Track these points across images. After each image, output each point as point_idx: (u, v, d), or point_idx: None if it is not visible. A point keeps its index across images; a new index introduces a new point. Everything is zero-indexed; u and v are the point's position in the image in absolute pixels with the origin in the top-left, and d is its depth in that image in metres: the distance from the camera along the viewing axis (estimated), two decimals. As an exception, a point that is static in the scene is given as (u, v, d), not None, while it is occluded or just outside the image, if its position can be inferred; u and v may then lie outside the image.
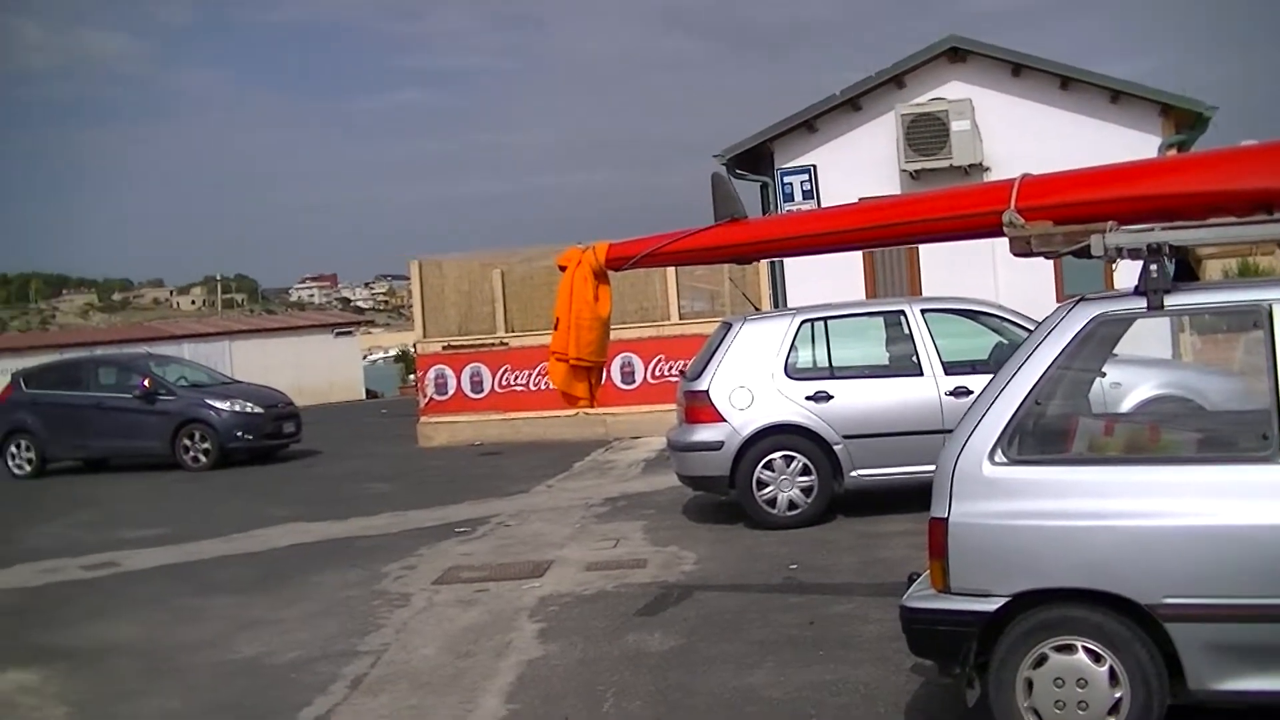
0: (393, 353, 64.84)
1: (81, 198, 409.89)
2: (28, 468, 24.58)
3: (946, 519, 5.97)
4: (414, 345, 27.12)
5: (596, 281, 8.44)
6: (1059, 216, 6.68)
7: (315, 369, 44.77)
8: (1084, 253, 6.42)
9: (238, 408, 23.40)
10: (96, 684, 9.10)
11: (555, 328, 8.64)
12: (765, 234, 8.83)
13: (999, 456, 5.94)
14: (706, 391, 13.04)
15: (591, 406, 9.18)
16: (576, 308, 8.42)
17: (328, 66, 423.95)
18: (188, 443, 23.21)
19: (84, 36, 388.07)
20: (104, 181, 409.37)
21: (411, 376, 46.28)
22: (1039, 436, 6.22)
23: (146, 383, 23.89)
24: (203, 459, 23.04)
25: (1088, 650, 5.72)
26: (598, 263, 8.42)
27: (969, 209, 7.50)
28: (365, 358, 56.47)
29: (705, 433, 13.07)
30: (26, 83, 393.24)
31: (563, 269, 8.63)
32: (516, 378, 23.51)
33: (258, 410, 23.62)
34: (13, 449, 24.77)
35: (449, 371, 24.00)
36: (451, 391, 23.99)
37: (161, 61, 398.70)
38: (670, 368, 22.05)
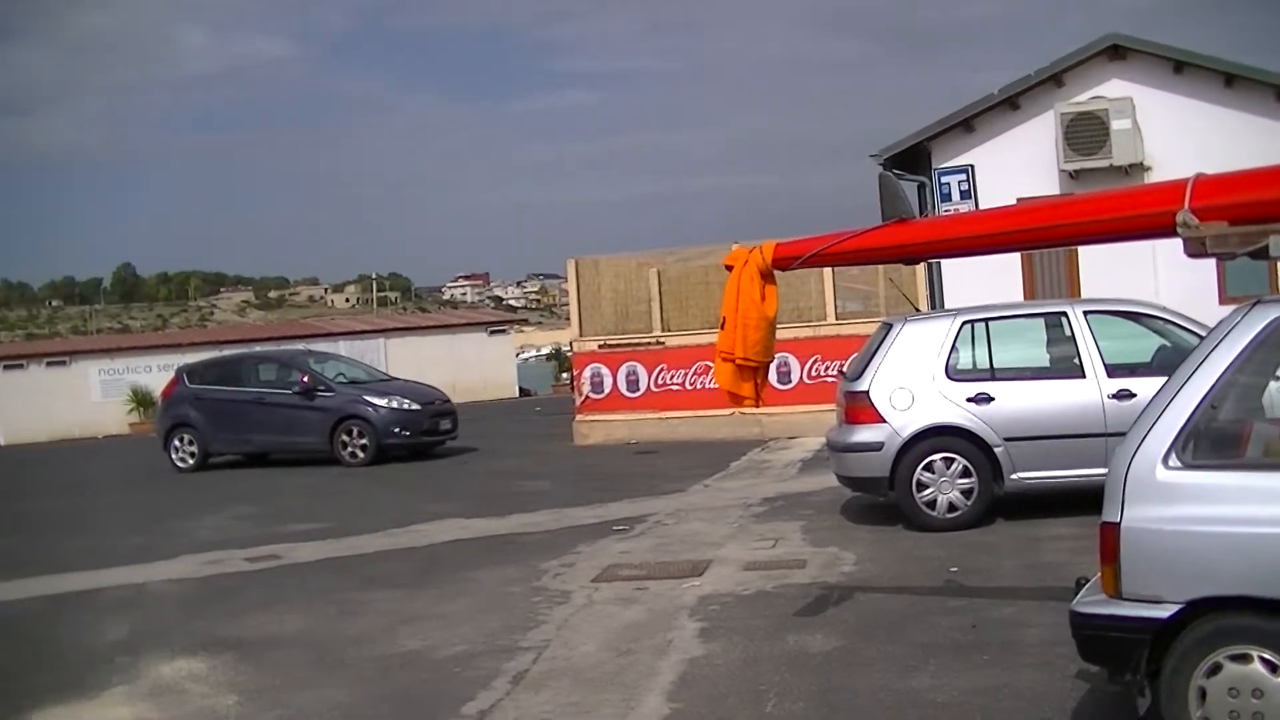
0: (545, 351, 65.19)
1: (241, 199, 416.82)
2: (190, 461, 25.10)
3: (1119, 524, 5.88)
4: (569, 344, 27.26)
5: (763, 281, 8.43)
6: (1234, 217, 6.56)
7: (469, 367, 45.14)
8: (1261, 254, 6.31)
9: (395, 404, 23.65)
10: (263, 674, 9.24)
11: (722, 327, 8.64)
12: (933, 234, 8.77)
13: (1173, 461, 5.83)
14: (867, 392, 12.97)
15: (757, 406, 9.15)
16: (743, 307, 8.42)
17: (484, 70, 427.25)
18: (346, 438, 23.53)
19: (248, 43, 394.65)
20: (264, 183, 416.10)
21: (564, 375, 46.58)
22: (1213, 441, 6.11)
23: (306, 379, 24.28)
24: (360, 454, 23.34)
25: (1264, 660, 5.58)
26: (764, 263, 8.41)
27: (1141, 209, 7.39)
28: (518, 356, 56.82)
29: (865, 433, 13.00)
30: (193, 87, 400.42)
31: (729, 269, 8.63)
32: (672, 377, 23.53)
33: (415, 407, 23.85)
34: (176, 442, 25.32)
35: (605, 370, 24.09)
36: (607, 390, 24.07)
37: (322, 66, 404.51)
38: (827, 368, 21.96)
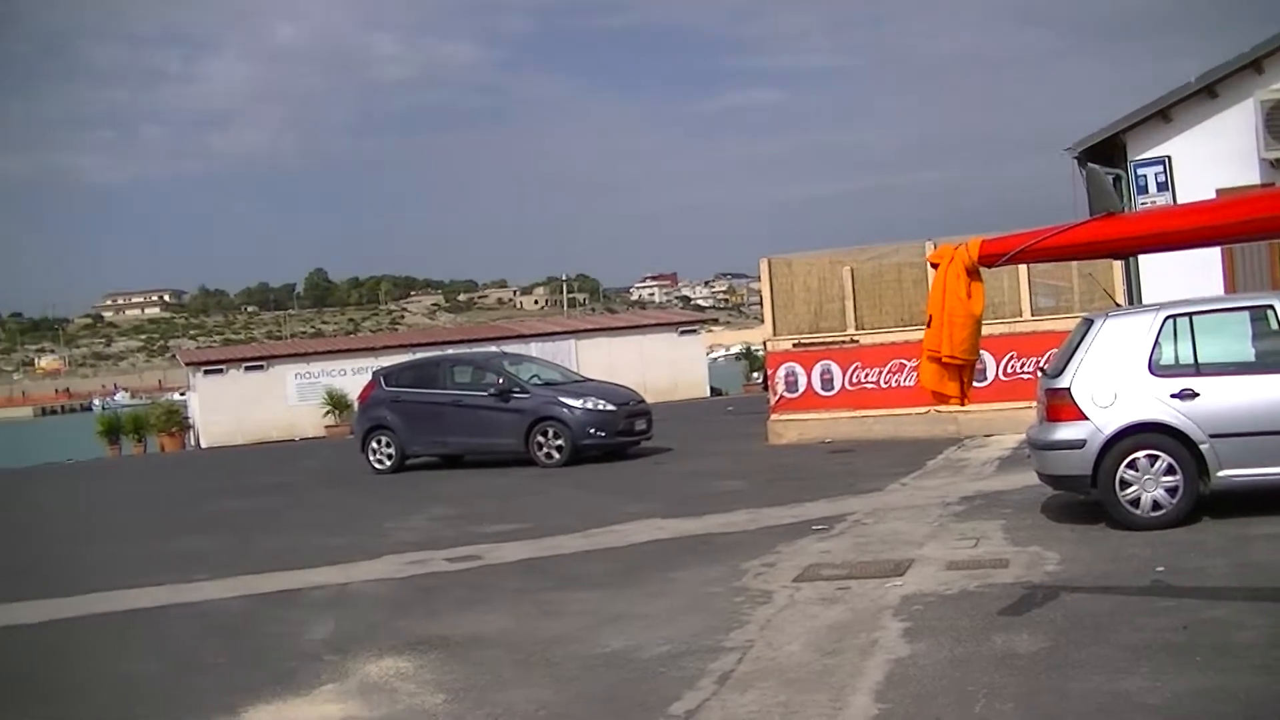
0: (734, 350, 65.21)
1: (431, 203, 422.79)
2: (388, 462, 25.52)
3: None
4: (763, 343, 27.17)
5: (969, 279, 8.33)
6: None
7: (660, 367, 45.29)
8: None
9: (590, 405, 23.75)
10: (469, 673, 9.36)
11: (927, 325, 8.57)
12: (1145, 229, 8.59)
13: None
14: (1068, 389, 12.77)
15: (963, 404, 9.05)
16: (949, 305, 8.34)
17: (668, 70, 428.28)
18: (541, 439, 23.67)
19: (435, 49, 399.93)
20: (452, 187, 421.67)
21: (755, 374, 46.56)
22: None
23: (502, 381, 24.52)
24: (556, 456, 23.48)
25: None
26: (970, 259, 8.32)
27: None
28: (708, 355, 56.83)
29: (1067, 431, 12.80)
30: (381, 94, 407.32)
31: (934, 266, 8.56)
32: (867, 375, 23.34)
33: (610, 408, 23.93)
34: (374, 444, 25.76)
35: (799, 369, 23.99)
36: (802, 389, 23.96)
37: (509, 70, 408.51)
38: (1023, 365, 21.65)
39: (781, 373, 24.26)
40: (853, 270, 24.11)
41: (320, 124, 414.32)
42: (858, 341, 23.58)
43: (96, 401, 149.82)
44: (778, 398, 24.36)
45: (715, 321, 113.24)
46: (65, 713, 9.54)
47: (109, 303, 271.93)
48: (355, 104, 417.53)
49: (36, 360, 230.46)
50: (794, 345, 24.18)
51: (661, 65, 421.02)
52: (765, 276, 25.03)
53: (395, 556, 14.89)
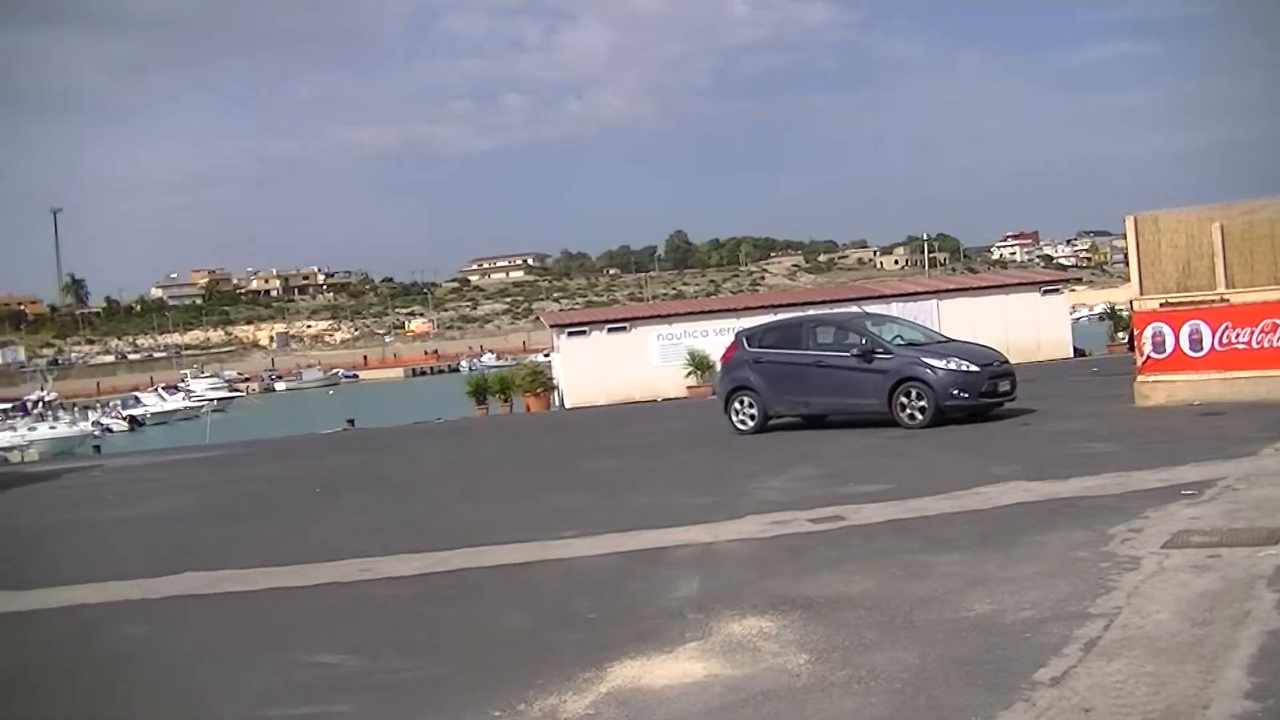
0: (1098, 310, 63.66)
1: (788, 164, 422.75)
2: (751, 423, 25.73)
3: None
4: (1129, 302, 26.47)
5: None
6: None
7: (1023, 327, 44.45)
8: None
9: (954, 366, 23.44)
10: (832, 634, 9.40)
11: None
12: None
13: None
14: None
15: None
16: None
17: (1030, 22, 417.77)
18: (904, 400, 23.48)
19: (788, 9, 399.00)
20: (809, 148, 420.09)
21: (1120, 334, 45.36)
22: None
23: (864, 341, 24.45)
24: (919, 417, 23.25)
25: None
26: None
27: None
28: (1071, 315, 55.59)
29: None
30: (737, 57, 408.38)
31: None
32: (1238, 335, 22.48)
33: (974, 369, 23.56)
34: (736, 405, 26.02)
35: (1166, 329, 23.27)
36: (1169, 350, 23.24)
37: (863, 30, 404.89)
38: None
39: (1148, 333, 23.57)
40: (1223, 227, 23.22)
41: (677, 88, 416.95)
42: (1228, 300, 22.73)
43: (464, 363, 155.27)
44: (1144, 358, 23.68)
45: (1078, 280, 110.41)
46: (438, 658, 9.98)
47: (475, 267, 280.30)
48: (710, 67, 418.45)
49: (407, 323, 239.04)
50: (1161, 305, 23.46)
51: (1020, 18, 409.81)
52: (1131, 234, 24.33)
53: (759, 516, 15.03)
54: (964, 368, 23.50)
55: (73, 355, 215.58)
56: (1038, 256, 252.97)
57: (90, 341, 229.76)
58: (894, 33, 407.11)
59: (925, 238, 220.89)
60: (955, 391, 23.26)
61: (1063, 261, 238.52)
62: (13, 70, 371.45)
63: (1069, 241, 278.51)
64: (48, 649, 11.77)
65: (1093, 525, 12.50)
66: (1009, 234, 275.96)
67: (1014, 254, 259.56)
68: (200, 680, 10.00)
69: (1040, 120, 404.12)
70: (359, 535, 16.89)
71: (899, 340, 25.12)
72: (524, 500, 19.09)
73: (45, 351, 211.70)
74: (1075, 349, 47.65)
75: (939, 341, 26.16)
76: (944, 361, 23.53)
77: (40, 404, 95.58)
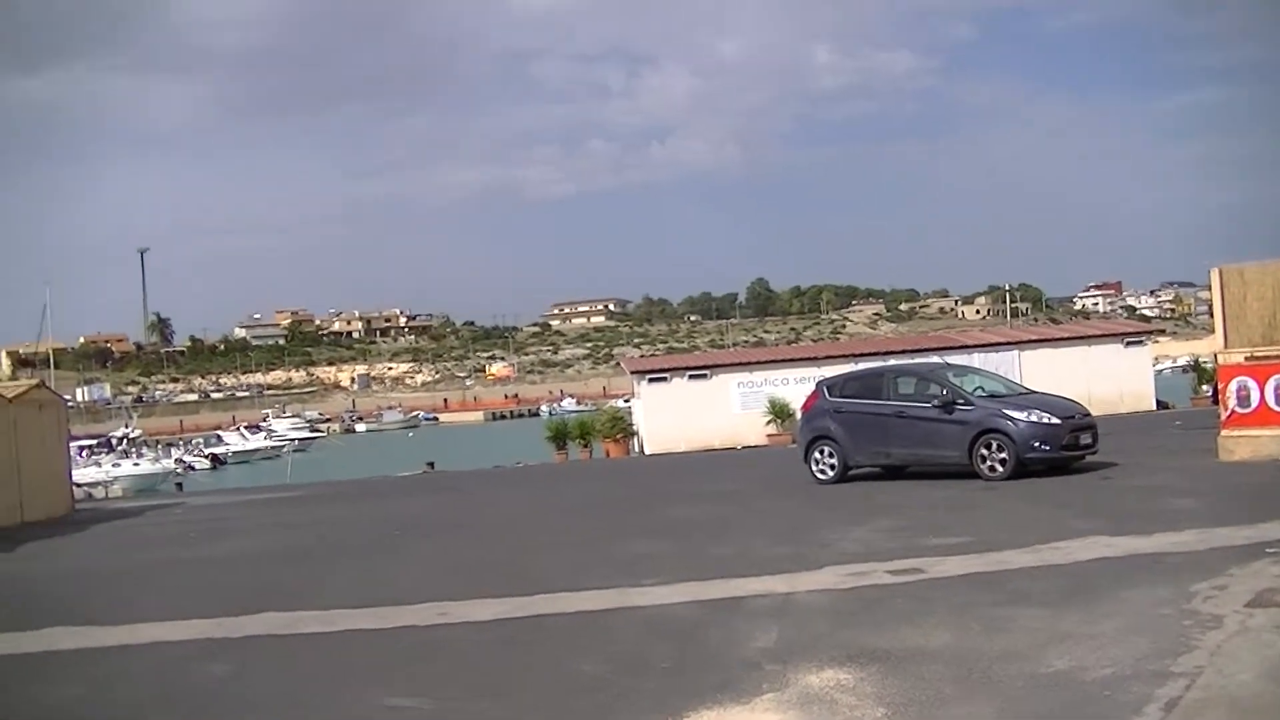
0: (1181, 362, 63.06)
1: (869, 212, 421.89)
2: (831, 472, 25.65)
3: None
4: (1213, 355, 26.22)
5: None
6: None
7: (1105, 379, 44.18)
8: None
9: (1035, 418, 23.21)
10: (910, 687, 9.35)
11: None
12: None
13: None
14: None
15: None
16: None
17: (1114, 69, 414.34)
18: (985, 452, 23.28)
19: (870, 57, 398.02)
20: (891, 196, 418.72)
21: (1204, 387, 44.92)
22: None
23: (945, 392, 24.34)
24: (999, 469, 23.06)
25: None
26: None
27: None
28: (1154, 367, 55.13)
29: None
30: (819, 104, 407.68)
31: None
32: (1325, 390, 22.24)
33: (1055, 421, 23.32)
34: (817, 454, 25.96)
35: (1251, 383, 23.00)
36: (1255, 404, 22.94)
37: (945, 77, 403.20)
38: None
39: (1233, 386, 23.30)
40: (1312, 280, 23.01)
41: (759, 134, 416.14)
42: (1313, 356, 22.46)
43: (544, 407, 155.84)
44: (1229, 412, 23.41)
45: (1162, 332, 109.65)
46: (514, 704, 10.00)
47: (556, 311, 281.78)
48: (793, 114, 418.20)
49: (487, 366, 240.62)
50: (1246, 358, 23.22)
51: (1103, 66, 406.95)
52: (1216, 286, 24.11)
53: (838, 567, 14.96)
54: (1045, 420, 23.29)
55: (157, 393, 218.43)
56: (1121, 307, 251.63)
57: (174, 380, 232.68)
58: (976, 80, 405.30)
59: (1007, 287, 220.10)
60: (1036, 444, 23.05)
61: (1146, 313, 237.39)
62: (106, 112, 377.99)
63: (1153, 292, 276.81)
64: (132, 685, 11.90)
65: (1175, 582, 12.37)
66: (1092, 284, 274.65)
67: (1097, 304, 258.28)
68: (279, 721, 10.08)
69: (1124, 168, 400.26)
70: (437, 578, 17.02)
71: (980, 391, 24.99)
72: (603, 546, 19.14)
73: (130, 389, 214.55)
74: (1158, 402, 47.27)
75: (1020, 393, 25.98)
76: (1025, 413, 23.35)
77: (125, 441, 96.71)
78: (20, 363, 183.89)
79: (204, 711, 10.61)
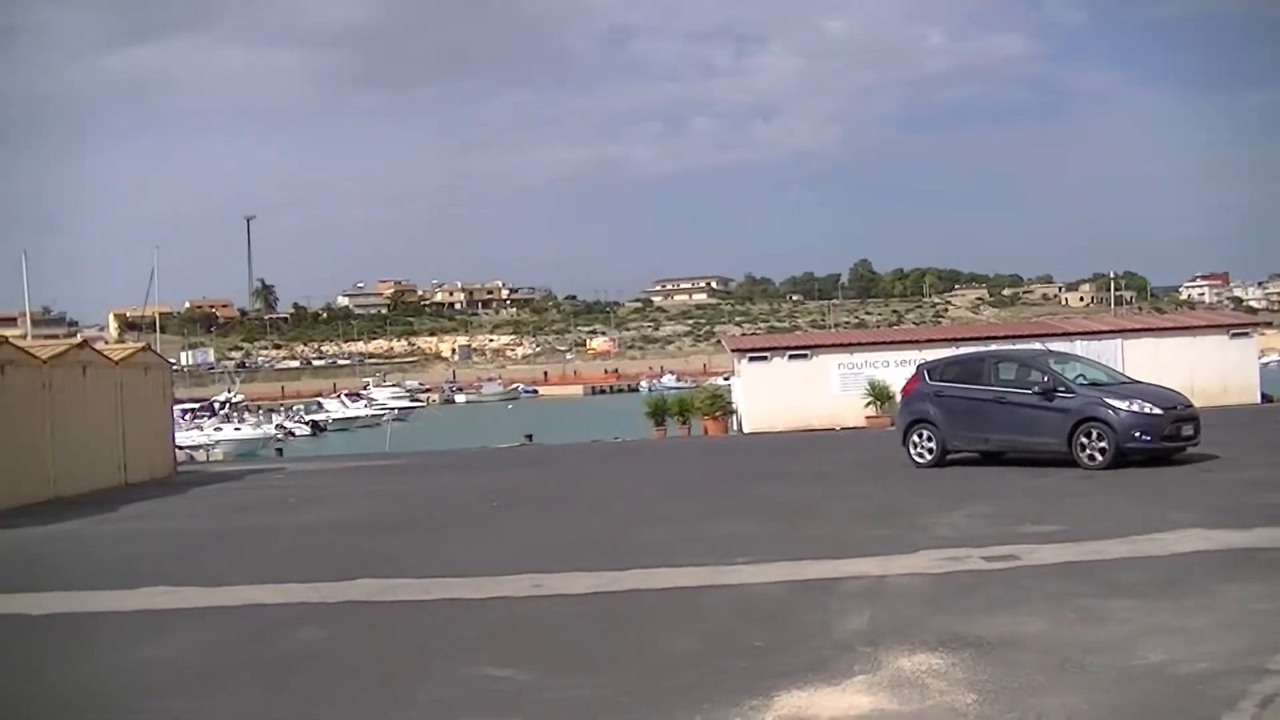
0: (1291, 355, 62.16)
1: (974, 196, 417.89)
2: (928, 456, 25.60)
3: None
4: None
5: None
6: None
7: (1209, 370, 43.56)
8: None
9: (1136, 408, 22.99)
10: (1002, 674, 9.33)
11: None
12: None
13: None
14: None
15: None
16: None
17: (1226, 60, 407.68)
18: (1085, 441, 23.09)
19: (980, 40, 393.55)
20: (996, 181, 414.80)
21: (1311, 381, 44.21)
22: None
23: (1046, 379, 24.16)
24: (1098, 458, 22.86)
25: None
26: None
27: None
28: (1260, 360, 54.33)
29: None
30: (926, 87, 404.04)
31: None
32: None
33: (1156, 411, 23.09)
34: (915, 438, 25.92)
35: (1359, 379, 22.70)
36: (1363, 399, 22.69)
37: (1054, 63, 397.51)
38: None
39: (1342, 382, 22.97)
40: None
41: (865, 116, 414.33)
42: None
43: (643, 383, 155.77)
44: (1337, 408, 23.12)
45: (1269, 324, 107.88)
46: (606, 678, 10.06)
47: (658, 288, 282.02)
48: (899, 97, 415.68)
49: (588, 341, 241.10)
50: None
51: (1214, 56, 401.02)
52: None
53: (932, 552, 14.93)
54: (1147, 410, 23.06)
55: (259, 359, 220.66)
56: (1227, 298, 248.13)
57: (277, 346, 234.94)
58: (1085, 67, 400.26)
59: (1111, 275, 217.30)
60: (1137, 434, 22.85)
61: (1253, 304, 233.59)
62: (219, 83, 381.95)
63: (1260, 284, 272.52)
64: (229, 647, 12.10)
65: (1273, 578, 12.28)
66: (1198, 274, 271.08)
67: (1202, 295, 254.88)
68: (372, 687, 10.21)
69: (1233, 160, 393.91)
70: (533, 550, 17.15)
71: (1081, 379, 24.78)
72: (698, 523, 19.20)
73: (233, 354, 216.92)
74: (1263, 395, 46.59)
75: (1122, 382, 25.71)
76: (1126, 403, 23.14)
77: (227, 405, 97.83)
78: (126, 325, 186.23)
79: (298, 675, 10.76)
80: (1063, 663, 9.56)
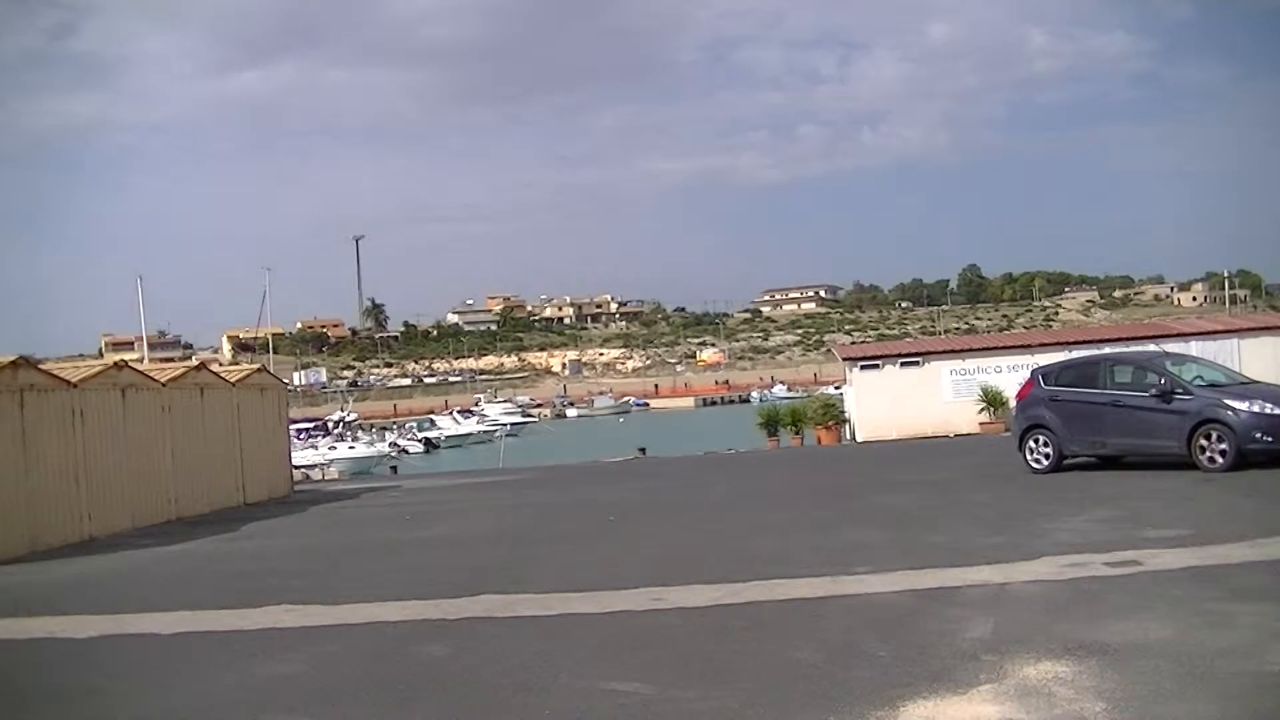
0: None
1: (1082, 198, 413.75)
2: (1045, 462, 25.38)
3: None
4: None
5: None
6: None
7: (1326, 369, 42.92)
8: None
9: (1257, 408, 22.61)
10: (1129, 682, 9.24)
11: None
12: None
13: None
14: None
15: None
16: None
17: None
18: (1204, 443, 22.78)
19: (1085, 40, 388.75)
20: (1103, 181, 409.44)
21: None
22: None
23: (1163, 381, 23.89)
24: (1219, 460, 22.53)
25: None
26: None
27: None
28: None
29: None
30: (1032, 89, 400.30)
31: None
32: None
33: (1277, 412, 22.71)
34: (1031, 443, 25.71)
35: None
36: None
37: (1161, 59, 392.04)
38: None
39: None
40: None
41: (971, 119, 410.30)
42: None
43: (755, 393, 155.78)
44: None
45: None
46: (730, 690, 10.02)
47: (766, 298, 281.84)
48: (1005, 99, 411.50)
49: (698, 353, 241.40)
50: None
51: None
52: None
53: (1054, 558, 14.82)
54: (1268, 410, 22.66)
55: (371, 378, 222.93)
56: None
57: (388, 365, 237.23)
58: (1192, 63, 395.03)
59: (1225, 274, 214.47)
60: (1258, 435, 22.47)
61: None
62: (325, 104, 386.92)
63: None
64: (352, 664, 12.23)
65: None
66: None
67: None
68: (497, 703, 10.26)
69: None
70: (651, 563, 17.21)
71: (1199, 381, 24.46)
72: (816, 534, 19.17)
73: (345, 373, 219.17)
74: (1387, 394, 45.72)
75: (1241, 383, 25.32)
76: (1247, 403, 22.79)
77: (340, 424, 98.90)
78: (240, 347, 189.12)
79: (422, 691, 10.84)
80: (1191, 670, 9.46)
